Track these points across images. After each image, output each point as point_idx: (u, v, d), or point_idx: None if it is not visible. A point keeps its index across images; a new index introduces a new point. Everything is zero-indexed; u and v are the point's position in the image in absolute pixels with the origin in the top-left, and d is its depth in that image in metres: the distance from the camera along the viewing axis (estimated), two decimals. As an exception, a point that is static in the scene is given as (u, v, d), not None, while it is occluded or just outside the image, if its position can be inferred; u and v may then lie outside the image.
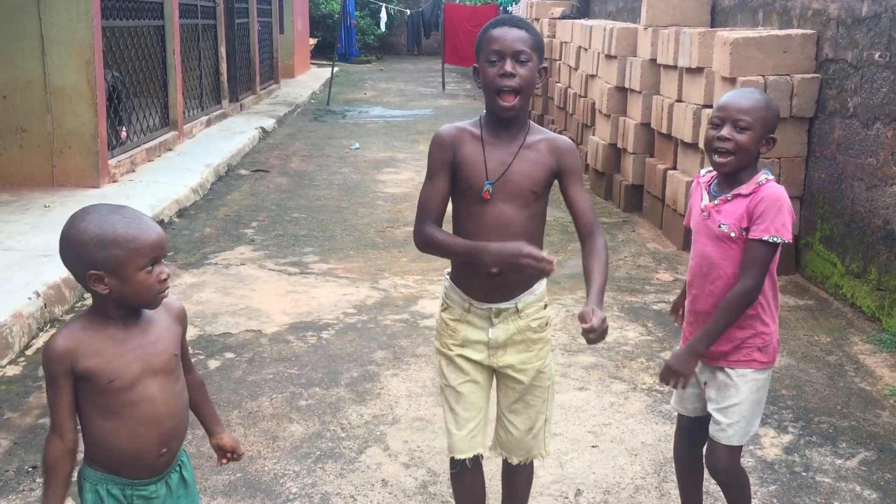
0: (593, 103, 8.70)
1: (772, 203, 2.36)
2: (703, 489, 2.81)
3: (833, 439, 3.46)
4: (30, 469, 3.15)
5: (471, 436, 2.41)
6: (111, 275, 1.81)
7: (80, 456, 1.94)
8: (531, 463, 2.55)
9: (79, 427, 1.91)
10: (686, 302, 2.60)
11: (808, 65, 5.46)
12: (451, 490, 3.03)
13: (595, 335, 2.09)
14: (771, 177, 2.44)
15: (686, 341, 2.54)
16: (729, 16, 7.07)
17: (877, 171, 4.75)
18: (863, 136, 4.90)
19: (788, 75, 5.42)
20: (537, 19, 12.21)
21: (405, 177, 8.79)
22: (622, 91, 7.78)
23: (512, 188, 2.26)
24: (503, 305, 2.34)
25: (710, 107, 5.89)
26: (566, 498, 3.03)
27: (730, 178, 2.45)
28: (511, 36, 2.22)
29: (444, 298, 2.44)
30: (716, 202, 2.45)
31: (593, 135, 8.48)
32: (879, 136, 4.73)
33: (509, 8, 17.60)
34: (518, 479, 2.56)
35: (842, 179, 5.12)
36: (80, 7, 6.85)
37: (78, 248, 1.82)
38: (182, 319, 2.03)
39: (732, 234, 2.41)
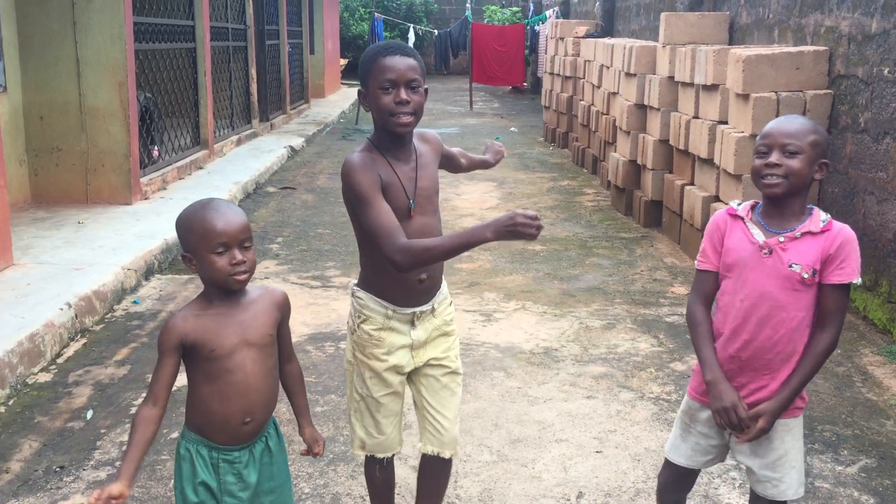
0: (615, 120, 8.81)
1: (853, 245, 2.25)
2: (705, 493, 2.91)
3: (835, 447, 3.52)
4: (57, 469, 3.31)
5: (392, 437, 2.61)
6: (195, 256, 2.10)
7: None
8: (451, 461, 2.66)
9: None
10: (722, 348, 2.35)
11: (820, 81, 5.54)
12: (456, 491, 3.16)
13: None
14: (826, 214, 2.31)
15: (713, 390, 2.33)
16: (746, 33, 7.15)
17: (886, 184, 4.81)
18: (873, 150, 4.96)
19: (801, 91, 5.50)
20: (562, 38, 12.35)
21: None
22: (641, 108, 7.88)
23: (424, 199, 2.45)
24: (423, 308, 2.50)
25: (726, 123, 5.98)
26: (568, 500, 3.12)
27: (780, 208, 2.28)
28: (403, 65, 2.34)
29: (358, 312, 2.52)
30: (781, 239, 2.26)
31: (614, 152, 8.57)
32: (889, 151, 4.79)
33: (536, 27, 17.79)
34: (440, 474, 2.67)
35: (854, 194, 5.17)
36: (114, 31, 7.12)
37: (178, 234, 2.15)
38: (282, 307, 2.24)
39: (805, 276, 2.23)
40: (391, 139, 2.42)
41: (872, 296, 4.90)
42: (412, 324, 2.51)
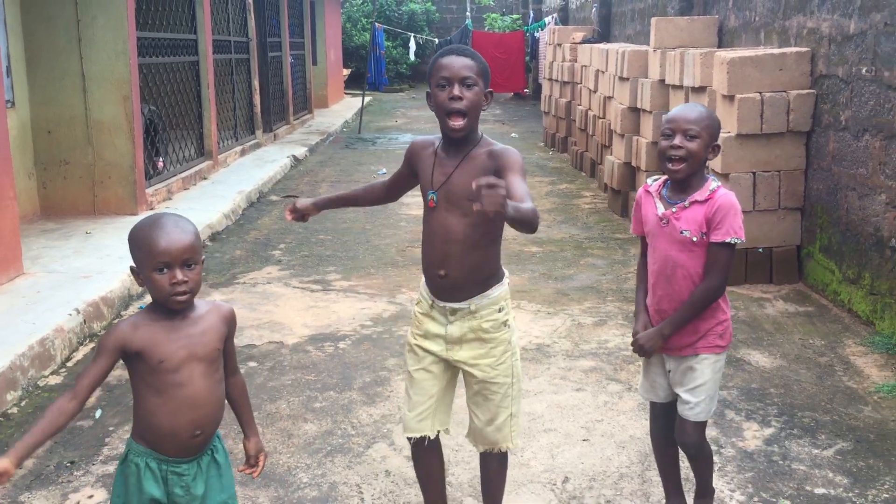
0: (610, 124, 8.96)
1: (728, 208, 2.63)
2: (682, 476, 3.06)
3: (813, 432, 3.66)
4: (68, 464, 3.48)
5: (419, 418, 2.70)
6: (141, 271, 2.13)
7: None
8: (503, 455, 2.79)
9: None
10: (650, 302, 2.82)
11: (803, 81, 5.68)
12: (448, 478, 3.30)
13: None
14: (720, 183, 2.69)
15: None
16: (734, 36, 7.31)
17: (867, 180, 4.95)
18: (854, 147, 5.10)
19: (784, 91, 5.65)
20: (560, 44, 12.51)
21: (429, 199, 9.09)
22: (635, 111, 8.04)
23: (453, 198, 2.55)
24: (457, 305, 2.61)
25: (713, 124, 6.13)
26: (554, 485, 3.27)
27: (682, 184, 2.69)
28: (458, 63, 2.51)
29: (419, 294, 2.75)
30: (674, 209, 2.68)
31: (610, 154, 8.73)
32: (868, 148, 4.93)
33: (536, 34, 17.97)
34: (489, 467, 2.81)
35: (837, 190, 5.32)
36: (118, 46, 7.32)
37: (129, 247, 2.16)
38: (229, 321, 2.27)
39: (694, 239, 2.66)
40: (448, 139, 2.59)
41: (856, 288, 5.03)
42: (447, 318, 2.63)
